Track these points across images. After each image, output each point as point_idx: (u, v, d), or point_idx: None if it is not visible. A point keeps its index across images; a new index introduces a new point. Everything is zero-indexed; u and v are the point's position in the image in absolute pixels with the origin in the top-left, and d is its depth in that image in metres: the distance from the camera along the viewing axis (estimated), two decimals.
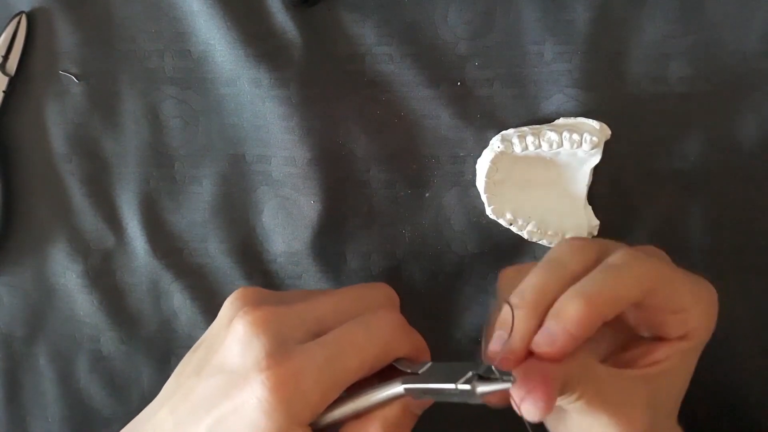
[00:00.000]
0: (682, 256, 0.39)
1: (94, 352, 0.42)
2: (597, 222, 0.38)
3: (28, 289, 0.42)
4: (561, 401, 0.26)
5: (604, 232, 0.38)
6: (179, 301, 0.41)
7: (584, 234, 0.37)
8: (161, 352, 0.42)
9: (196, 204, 0.40)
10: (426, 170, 0.39)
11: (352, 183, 0.39)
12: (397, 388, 0.27)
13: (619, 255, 0.28)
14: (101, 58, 0.39)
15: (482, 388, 0.24)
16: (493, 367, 0.24)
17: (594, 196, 0.38)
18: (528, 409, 0.24)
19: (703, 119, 0.37)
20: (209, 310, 0.41)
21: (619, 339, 0.31)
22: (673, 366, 0.29)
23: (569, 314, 0.25)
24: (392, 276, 0.40)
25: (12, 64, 0.39)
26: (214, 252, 0.41)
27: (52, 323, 0.42)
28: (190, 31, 0.39)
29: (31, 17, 0.39)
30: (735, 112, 0.37)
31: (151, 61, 0.39)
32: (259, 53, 0.38)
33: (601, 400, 0.26)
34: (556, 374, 0.25)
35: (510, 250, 0.39)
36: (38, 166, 0.40)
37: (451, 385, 0.25)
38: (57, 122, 0.40)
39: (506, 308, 0.26)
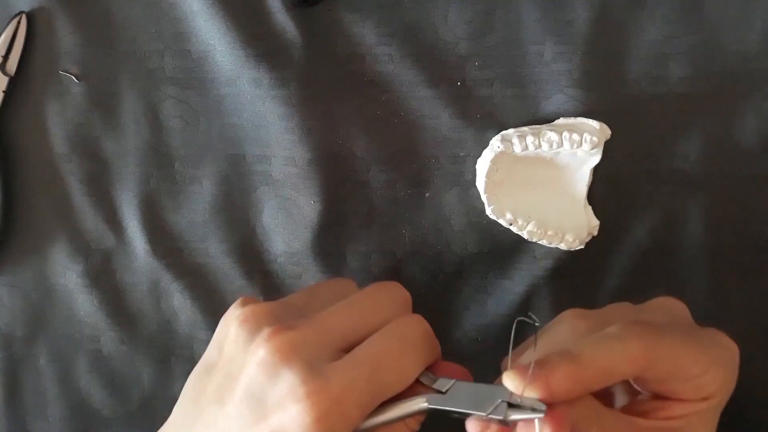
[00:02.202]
0: (682, 256, 0.39)
1: (94, 352, 0.42)
2: (597, 222, 0.38)
3: (28, 289, 0.42)
4: None
5: (604, 232, 0.38)
6: (179, 301, 0.41)
7: (584, 234, 0.37)
8: (161, 352, 0.42)
9: (196, 204, 0.40)
10: (426, 170, 0.39)
11: (352, 183, 0.39)
12: (421, 405, 0.26)
13: (617, 326, 0.27)
14: (101, 58, 0.39)
15: (514, 417, 0.24)
16: (522, 396, 0.24)
17: (594, 196, 0.38)
18: None
19: (703, 119, 0.37)
20: (209, 310, 0.41)
21: (633, 387, 0.29)
22: (690, 424, 0.27)
23: (554, 375, 0.24)
24: (392, 276, 0.40)
25: (12, 64, 0.39)
26: (214, 252, 0.41)
27: (52, 323, 0.42)
28: (190, 31, 0.39)
29: (31, 17, 0.39)
30: (735, 112, 0.37)
31: (151, 61, 0.39)
32: (259, 53, 0.38)
33: None
34: (568, 414, 0.24)
35: (510, 250, 0.39)
36: (38, 166, 0.40)
37: (482, 413, 0.25)
38: (57, 122, 0.40)
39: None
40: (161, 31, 0.39)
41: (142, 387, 0.43)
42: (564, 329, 0.28)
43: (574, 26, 0.37)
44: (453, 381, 0.27)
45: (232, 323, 0.28)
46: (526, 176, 0.37)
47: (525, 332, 0.28)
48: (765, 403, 0.40)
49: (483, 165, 0.37)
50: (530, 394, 0.24)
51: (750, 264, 0.39)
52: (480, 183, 0.37)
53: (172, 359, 0.42)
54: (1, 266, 0.42)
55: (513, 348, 0.27)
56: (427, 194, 0.39)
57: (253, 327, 0.27)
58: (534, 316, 0.26)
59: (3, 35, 0.39)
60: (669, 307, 0.30)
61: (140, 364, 0.42)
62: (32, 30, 0.39)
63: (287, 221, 0.40)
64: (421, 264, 0.40)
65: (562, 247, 0.37)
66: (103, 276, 0.41)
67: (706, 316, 0.39)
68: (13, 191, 0.41)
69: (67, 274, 0.42)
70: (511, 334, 0.26)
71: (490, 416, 0.25)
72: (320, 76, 0.38)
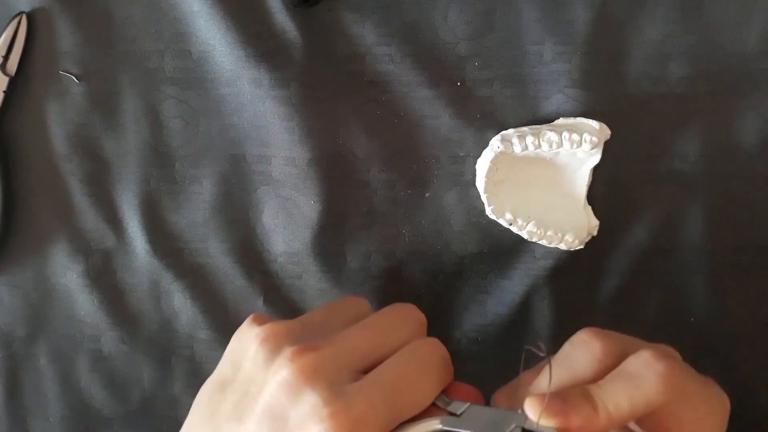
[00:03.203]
0: (683, 256, 0.39)
1: (95, 352, 0.42)
2: (597, 222, 0.38)
3: (29, 289, 0.42)
4: None
5: (604, 232, 0.38)
6: (179, 301, 0.41)
7: (584, 234, 0.37)
8: (161, 352, 0.42)
9: (197, 204, 0.40)
10: (426, 170, 0.39)
11: (352, 183, 0.39)
12: (436, 427, 0.27)
13: (639, 361, 0.27)
14: (101, 58, 0.39)
15: None
16: (538, 424, 0.25)
17: (594, 196, 0.38)
18: None
19: (703, 119, 0.37)
20: (209, 310, 0.41)
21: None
22: None
23: (573, 412, 0.25)
24: (392, 276, 0.40)
25: (12, 64, 0.39)
26: (215, 252, 0.41)
27: (53, 323, 0.42)
28: (190, 31, 0.39)
29: (31, 17, 0.39)
30: (735, 112, 0.37)
31: (151, 61, 0.39)
32: (259, 53, 0.38)
33: None
34: None
35: (510, 250, 0.39)
36: (38, 166, 0.40)
37: None
38: (57, 122, 0.40)
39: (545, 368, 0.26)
40: (161, 31, 0.39)
41: (142, 387, 0.43)
42: (581, 353, 0.28)
43: (574, 26, 0.37)
44: (467, 404, 0.27)
45: (250, 342, 0.28)
46: (526, 176, 0.37)
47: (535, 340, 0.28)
48: (765, 402, 0.40)
49: (483, 165, 0.37)
50: (547, 423, 0.25)
51: (750, 264, 0.39)
52: (480, 183, 0.37)
53: (172, 359, 0.42)
54: (1, 266, 0.42)
55: (530, 367, 0.28)
56: (427, 194, 0.39)
57: (274, 346, 0.28)
58: (543, 346, 0.26)
59: (3, 35, 0.39)
60: (671, 352, 0.30)
61: (140, 364, 0.42)
62: (32, 30, 0.39)
63: (287, 221, 0.40)
64: (421, 264, 0.40)
65: (562, 247, 0.37)
66: (103, 276, 0.41)
67: (706, 316, 0.39)
68: (13, 191, 0.41)
69: (67, 274, 0.42)
70: (521, 362, 0.28)
71: None
72: (320, 76, 0.38)
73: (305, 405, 0.25)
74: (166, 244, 0.41)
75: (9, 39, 0.39)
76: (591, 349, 0.28)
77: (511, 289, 0.40)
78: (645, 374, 0.26)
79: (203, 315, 0.41)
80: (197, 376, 0.42)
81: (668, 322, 0.40)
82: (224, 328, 0.42)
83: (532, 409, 0.25)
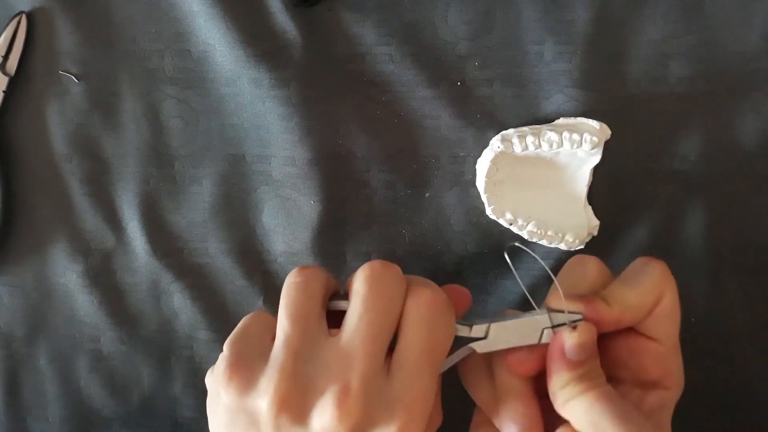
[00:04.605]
0: (682, 256, 0.39)
1: (94, 352, 0.42)
2: (597, 222, 0.38)
3: (28, 289, 0.42)
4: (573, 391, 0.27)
5: (604, 232, 0.38)
6: (179, 301, 0.41)
7: (584, 234, 0.37)
8: (161, 352, 0.42)
9: (196, 204, 0.40)
10: (426, 170, 0.39)
11: (352, 183, 0.39)
12: (469, 351, 0.28)
13: (637, 263, 0.30)
14: (101, 58, 0.39)
15: (558, 329, 0.27)
16: (566, 314, 0.27)
17: (594, 196, 0.38)
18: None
19: (703, 119, 0.37)
20: (209, 310, 0.41)
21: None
22: (663, 419, 0.29)
23: (593, 301, 0.28)
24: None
25: (12, 64, 0.39)
26: (214, 252, 0.41)
27: (52, 323, 0.42)
28: (190, 31, 0.39)
29: (31, 17, 0.39)
30: (735, 112, 0.37)
31: (151, 61, 0.39)
32: (259, 53, 0.38)
33: (607, 399, 0.27)
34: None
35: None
36: (38, 166, 0.40)
37: (534, 342, 0.28)
38: (57, 122, 0.40)
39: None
40: (161, 31, 0.39)
41: (142, 387, 0.43)
42: (578, 270, 0.30)
43: (574, 26, 0.37)
44: (486, 324, 0.28)
45: (263, 417, 0.26)
46: (526, 176, 0.37)
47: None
48: (765, 403, 0.40)
49: (483, 165, 0.37)
50: (573, 307, 0.27)
51: (750, 264, 0.39)
52: (480, 183, 0.37)
53: (172, 359, 0.42)
54: (1, 266, 0.42)
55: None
56: (427, 194, 0.39)
57: (296, 411, 0.25)
58: (519, 245, 0.30)
59: (3, 35, 0.39)
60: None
61: (140, 364, 0.42)
62: (32, 30, 0.39)
63: (287, 221, 0.40)
64: (421, 264, 0.40)
65: (562, 247, 0.37)
66: (103, 276, 0.41)
67: (706, 316, 0.39)
68: (13, 191, 0.41)
69: (67, 274, 0.42)
70: (508, 262, 0.29)
71: (542, 341, 0.27)
72: (320, 76, 0.38)
73: None
74: (166, 244, 0.41)
75: (9, 39, 0.39)
76: (588, 263, 0.30)
77: (511, 289, 0.40)
78: (645, 269, 0.29)
79: (203, 315, 0.41)
80: (197, 376, 0.42)
81: None
82: (224, 328, 0.42)
83: (557, 301, 0.27)
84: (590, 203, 0.38)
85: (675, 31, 0.37)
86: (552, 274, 0.29)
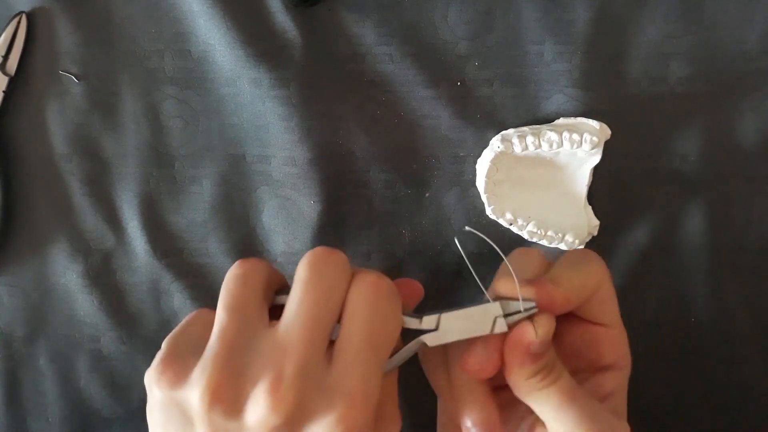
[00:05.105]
0: (683, 256, 0.39)
1: (94, 352, 0.42)
2: (597, 222, 0.38)
3: (28, 289, 0.42)
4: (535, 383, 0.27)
5: (604, 232, 0.38)
6: (179, 301, 0.41)
7: (584, 234, 0.37)
8: None
9: (196, 204, 0.40)
10: (426, 170, 0.39)
11: (352, 183, 0.39)
12: (417, 348, 0.27)
13: (575, 252, 0.32)
14: (101, 58, 0.39)
15: (512, 320, 0.27)
16: (521, 302, 0.27)
17: (594, 196, 0.38)
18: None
19: (703, 119, 0.37)
20: None
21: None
22: (621, 399, 0.30)
23: (544, 285, 0.28)
24: (392, 276, 0.40)
25: (12, 64, 0.39)
26: (214, 252, 0.41)
27: (52, 323, 0.42)
28: (190, 31, 0.39)
29: (31, 17, 0.39)
30: (735, 112, 0.37)
31: (151, 61, 0.39)
32: (259, 53, 0.38)
33: (571, 397, 0.27)
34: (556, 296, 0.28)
35: (510, 250, 0.39)
36: (38, 166, 0.40)
37: (486, 332, 0.27)
38: (57, 122, 0.40)
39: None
40: (161, 31, 0.39)
41: (142, 387, 0.43)
42: (522, 258, 0.31)
43: (574, 26, 0.37)
44: (436, 315, 0.27)
45: (189, 410, 0.25)
46: (526, 176, 0.37)
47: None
48: (765, 403, 0.40)
49: (483, 165, 0.37)
50: (525, 293, 0.27)
51: (750, 264, 0.39)
52: (480, 183, 0.37)
53: None
54: (1, 266, 0.42)
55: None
56: (427, 194, 0.39)
57: (228, 403, 0.24)
58: (470, 229, 0.29)
59: (3, 35, 0.39)
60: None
61: (140, 364, 0.42)
62: (32, 30, 0.39)
63: (287, 221, 0.40)
64: (421, 264, 0.40)
65: (562, 247, 0.37)
66: (103, 276, 0.41)
67: (706, 316, 0.39)
68: (13, 191, 0.41)
69: (67, 274, 0.42)
70: (459, 248, 0.29)
71: (495, 332, 0.27)
72: (320, 76, 0.38)
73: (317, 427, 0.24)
74: (166, 244, 0.41)
75: (9, 39, 0.39)
76: (530, 253, 0.31)
77: None
78: (582, 257, 0.30)
79: None
80: None
81: (668, 322, 0.40)
82: None
83: (508, 286, 0.27)
84: (590, 203, 0.38)
85: (675, 31, 0.37)
86: (504, 256, 0.29)
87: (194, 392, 0.24)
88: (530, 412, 0.29)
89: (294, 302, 0.26)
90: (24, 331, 0.42)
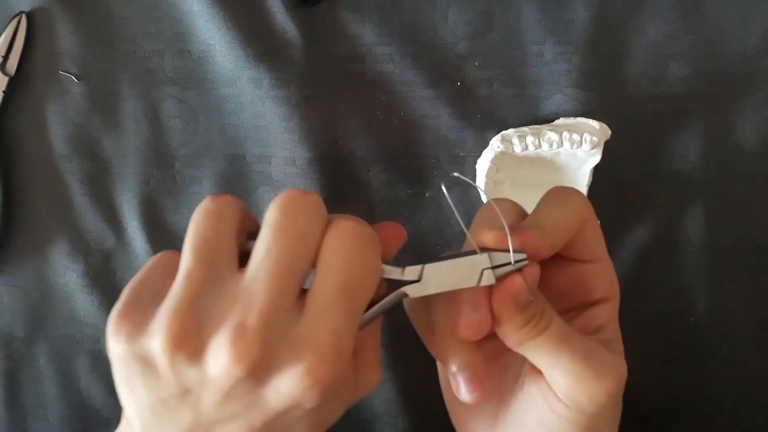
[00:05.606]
0: (683, 256, 0.39)
1: (95, 352, 0.42)
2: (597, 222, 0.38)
3: (28, 289, 0.42)
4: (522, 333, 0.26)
5: (604, 232, 0.38)
6: None
7: None
8: None
9: (196, 204, 0.40)
10: (426, 170, 0.39)
11: (352, 183, 0.39)
12: (400, 296, 0.26)
13: (554, 190, 0.29)
14: (101, 58, 0.39)
15: (500, 273, 0.25)
16: (511, 253, 0.25)
17: (594, 196, 0.38)
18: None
19: (703, 119, 0.37)
20: None
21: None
22: (614, 328, 0.29)
23: (528, 233, 0.26)
24: None
25: (12, 64, 0.39)
26: None
27: (52, 323, 0.42)
28: (190, 31, 0.39)
29: (31, 17, 0.39)
30: (735, 112, 0.37)
31: (151, 61, 0.39)
32: (259, 53, 0.38)
33: (564, 340, 0.26)
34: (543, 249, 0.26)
35: None
36: (38, 166, 0.40)
37: (472, 285, 0.25)
38: (57, 122, 0.40)
39: (492, 207, 0.26)
40: (161, 31, 0.39)
41: None
42: (495, 212, 0.27)
43: (574, 26, 0.37)
44: (419, 266, 0.25)
45: (157, 359, 0.23)
46: (526, 176, 0.37)
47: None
48: (764, 403, 0.40)
49: (483, 165, 0.37)
50: (511, 243, 0.25)
51: (750, 264, 0.39)
52: (480, 183, 0.37)
53: None
54: (1, 266, 0.42)
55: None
56: (427, 194, 0.39)
57: (190, 349, 0.23)
58: (458, 174, 0.26)
59: (3, 35, 0.39)
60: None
61: None
62: (32, 30, 0.39)
63: None
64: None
65: None
66: (103, 276, 0.41)
67: (706, 316, 0.39)
68: (13, 191, 0.41)
69: (67, 274, 0.42)
70: (445, 194, 0.26)
71: (482, 285, 0.25)
72: (320, 76, 0.38)
73: (276, 386, 0.23)
74: (166, 244, 0.41)
75: (9, 39, 0.39)
76: (504, 202, 0.29)
77: None
78: (562, 195, 0.28)
79: None
80: None
81: (668, 322, 0.40)
82: None
83: (495, 238, 0.25)
84: (590, 203, 0.38)
85: (675, 31, 0.37)
86: (489, 199, 0.27)
87: (155, 340, 0.23)
88: (516, 362, 0.28)
89: (262, 248, 0.24)
90: (24, 331, 0.42)
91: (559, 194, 0.28)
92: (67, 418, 0.43)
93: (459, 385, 0.26)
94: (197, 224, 0.25)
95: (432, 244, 0.40)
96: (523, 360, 0.27)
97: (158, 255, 0.26)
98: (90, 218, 0.41)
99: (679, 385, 0.40)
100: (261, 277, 0.23)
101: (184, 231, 0.41)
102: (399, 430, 0.41)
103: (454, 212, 0.26)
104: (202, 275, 0.24)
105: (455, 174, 0.27)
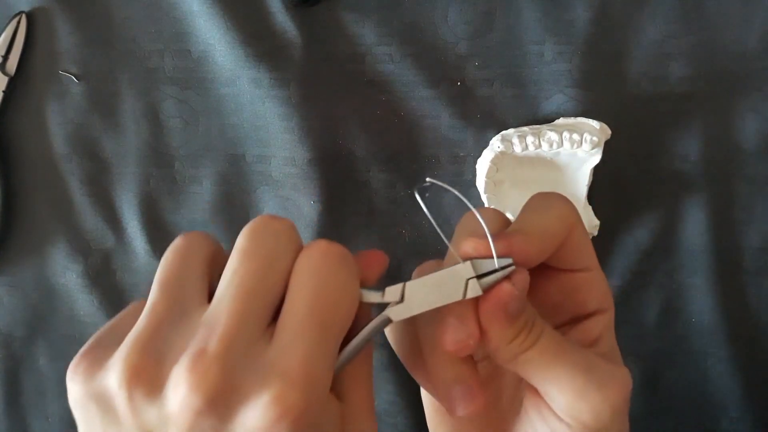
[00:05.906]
0: (683, 256, 0.39)
1: None
2: (597, 222, 0.38)
3: (28, 289, 0.42)
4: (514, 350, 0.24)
5: (604, 232, 0.38)
6: None
7: None
8: None
9: (196, 204, 0.40)
10: (426, 170, 0.39)
11: (352, 183, 0.39)
12: (382, 323, 0.24)
13: (537, 197, 0.27)
14: (101, 58, 0.39)
15: (487, 281, 0.23)
16: (495, 259, 0.23)
17: (594, 196, 0.38)
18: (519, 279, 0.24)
19: (703, 119, 0.37)
20: None
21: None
22: (610, 340, 0.27)
23: (513, 238, 0.24)
24: (392, 276, 0.40)
25: (12, 64, 0.39)
26: None
27: (52, 323, 0.42)
28: (190, 31, 0.39)
29: (31, 17, 0.39)
30: (735, 112, 0.37)
31: (151, 61, 0.39)
32: (259, 53, 0.38)
33: (559, 352, 0.24)
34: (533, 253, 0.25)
35: None
36: (38, 166, 0.40)
37: (458, 298, 0.23)
38: (57, 122, 0.40)
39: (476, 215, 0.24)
40: (161, 31, 0.39)
41: None
42: (477, 220, 0.26)
43: (574, 26, 0.37)
44: (400, 285, 0.24)
45: (108, 395, 0.21)
46: (526, 176, 0.37)
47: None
48: (765, 402, 0.40)
49: (483, 165, 0.37)
50: (497, 251, 0.23)
51: (750, 264, 0.39)
52: (480, 183, 0.37)
53: None
54: (1, 266, 0.42)
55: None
56: (427, 194, 0.39)
57: (148, 378, 0.21)
58: (432, 180, 0.25)
59: (3, 35, 0.39)
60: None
61: None
62: (32, 30, 0.39)
63: None
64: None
65: None
66: (103, 276, 0.41)
67: (706, 316, 0.39)
68: (13, 191, 0.41)
69: (67, 274, 0.42)
70: (420, 203, 0.25)
71: (467, 297, 0.23)
72: (320, 76, 0.38)
73: (243, 421, 0.21)
74: (166, 244, 0.41)
75: (9, 39, 0.39)
76: (487, 211, 0.27)
77: None
78: (548, 201, 0.26)
79: None
80: None
81: (668, 322, 0.40)
82: None
83: (477, 245, 0.24)
84: (590, 203, 0.38)
85: (675, 31, 0.37)
86: (470, 206, 0.25)
87: (112, 374, 0.21)
88: (510, 388, 0.27)
89: (227, 274, 0.23)
90: (24, 331, 0.42)
91: (543, 199, 0.27)
92: (67, 418, 0.43)
93: (453, 400, 0.24)
94: (165, 261, 0.24)
95: (432, 245, 0.40)
96: (517, 386, 0.26)
97: (131, 303, 0.25)
98: (90, 218, 0.41)
99: (679, 384, 0.40)
100: (224, 301, 0.22)
101: (184, 231, 0.41)
102: (399, 431, 0.41)
103: (431, 220, 0.24)
104: (166, 309, 0.22)
105: (428, 180, 0.26)
